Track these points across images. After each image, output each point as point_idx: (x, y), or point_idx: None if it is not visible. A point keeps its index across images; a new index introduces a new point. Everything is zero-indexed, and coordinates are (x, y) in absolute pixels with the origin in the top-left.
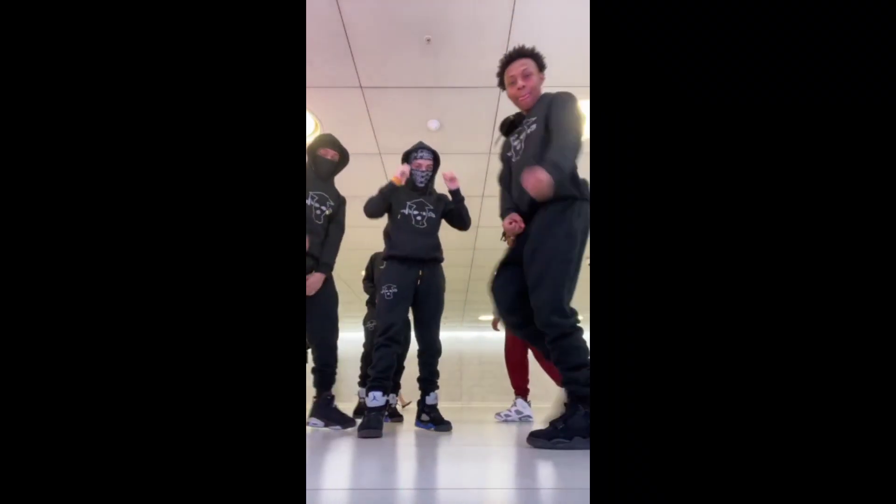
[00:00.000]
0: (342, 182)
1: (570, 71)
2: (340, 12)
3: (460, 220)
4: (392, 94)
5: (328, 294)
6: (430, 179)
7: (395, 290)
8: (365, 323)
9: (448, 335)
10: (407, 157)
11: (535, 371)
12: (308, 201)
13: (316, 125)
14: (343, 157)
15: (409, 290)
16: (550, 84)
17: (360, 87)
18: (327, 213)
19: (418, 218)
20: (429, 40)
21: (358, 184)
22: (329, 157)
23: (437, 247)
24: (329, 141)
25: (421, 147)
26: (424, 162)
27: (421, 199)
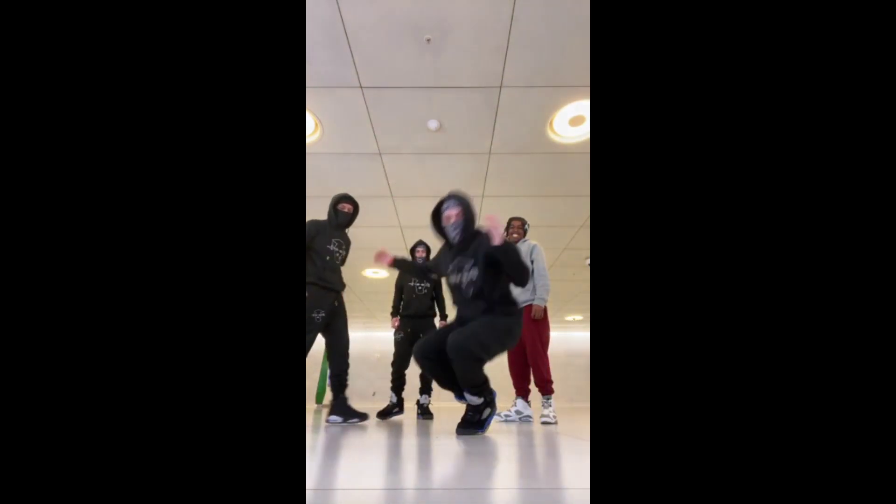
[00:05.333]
0: (343, 180)
1: (570, 71)
2: (340, 12)
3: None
4: (392, 94)
5: (345, 313)
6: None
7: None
8: (395, 334)
9: None
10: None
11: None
12: (331, 247)
13: (316, 125)
14: (356, 209)
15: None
16: (550, 84)
17: (360, 87)
18: (344, 255)
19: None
20: (429, 40)
21: (358, 184)
22: (346, 211)
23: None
24: (346, 197)
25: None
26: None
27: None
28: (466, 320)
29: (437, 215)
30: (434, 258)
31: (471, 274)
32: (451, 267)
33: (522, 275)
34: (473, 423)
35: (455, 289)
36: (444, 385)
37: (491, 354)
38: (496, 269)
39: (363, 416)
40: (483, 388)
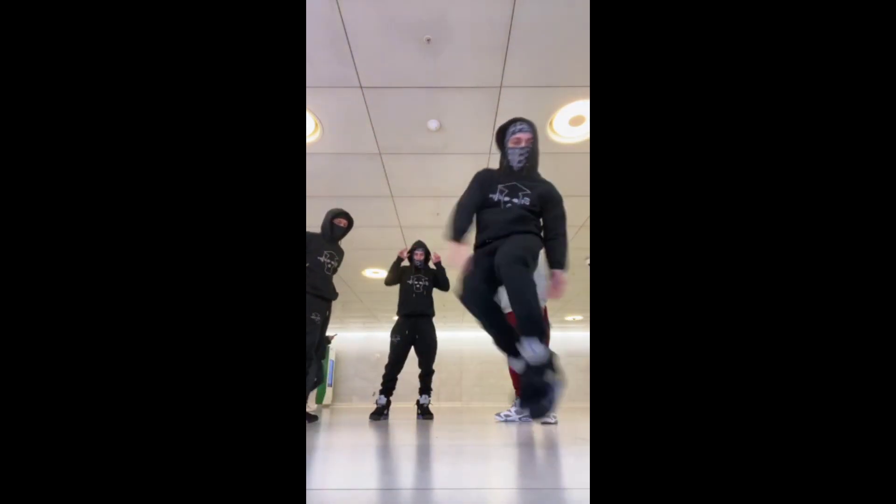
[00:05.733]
0: (343, 181)
1: (570, 71)
2: (340, 12)
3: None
4: (392, 94)
5: (326, 327)
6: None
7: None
8: (392, 336)
9: (448, 335)
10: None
11: None
12: (322, 258)
13: (316, 125)
14: (350, 224)
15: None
16: (550, 83)
17: (360, 87)
18: (336, 266)
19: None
20: (429, 40)
21: (358, 184)
22: (342, 225)
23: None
24: (341, 212)
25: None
26: (524, 136)
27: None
28: (500, 237)
29: (501, 135)
30: (479, 177)
31: (522, 201)
32: (501, 186)
33: (562, 231)
34: (538, 391)
35: (495, 205)
36: (489, 328)
37: (530, 263)
38: (542, 210)
39: (311, 419)
40: (544, 329)
